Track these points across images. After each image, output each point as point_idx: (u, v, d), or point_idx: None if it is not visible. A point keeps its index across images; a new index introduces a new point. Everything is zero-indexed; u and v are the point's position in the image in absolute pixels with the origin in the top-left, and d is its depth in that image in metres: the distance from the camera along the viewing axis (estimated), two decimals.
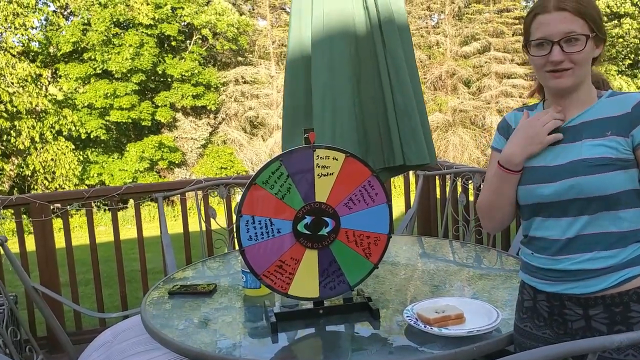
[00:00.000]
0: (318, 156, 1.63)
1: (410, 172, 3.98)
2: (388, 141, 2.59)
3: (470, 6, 22.45)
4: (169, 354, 1.76)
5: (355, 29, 2.57)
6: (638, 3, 18.97)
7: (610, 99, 1.42)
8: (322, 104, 2.52)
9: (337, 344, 1.63)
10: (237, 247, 2.80)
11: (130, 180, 16.72)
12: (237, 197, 3.62)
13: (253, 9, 22.11)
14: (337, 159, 1.64)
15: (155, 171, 18.38)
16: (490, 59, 21.61)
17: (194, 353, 1.56)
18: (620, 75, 19.44)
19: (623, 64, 20.08)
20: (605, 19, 19.68)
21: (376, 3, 2.56)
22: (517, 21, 21.78)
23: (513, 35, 21.70)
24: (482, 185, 1.58)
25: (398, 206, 4.49)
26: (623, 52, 19.97)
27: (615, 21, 19.46)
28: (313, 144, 1.63)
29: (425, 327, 1.52)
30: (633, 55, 20.20)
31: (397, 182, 10.26)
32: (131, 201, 5.22)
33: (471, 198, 3.31)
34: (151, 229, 3.43)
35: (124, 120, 17.72)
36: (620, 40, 19.43)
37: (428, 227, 3.90)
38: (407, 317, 1.58)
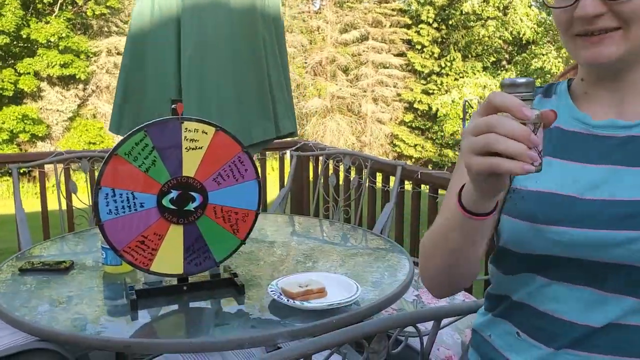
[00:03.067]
0: (186, 129, 1.59)
1: (287, 154, 4.02)
2: (265, 114, 2.61)
3: None
4: (17, 333, 1.64)
5: (230, 4, 2.54)
6: (500, 6, 20.45)
7: None
8: (188, 78, 2.47)
9: (200, 320, 1.61)
10: None
11: None
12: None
13: None
14: (206, 133, 1.61)
15: (16, 144, 16.98)
16: (368, 48, 22.28)
17: (47, 332, 1.46)
18: (484, 72, 20.91)
19: (487, 61, 21.61)
20: (472, 17, 21.02)
21: None
22: (395, 12, 22.63)
23: (390, 26, 22.52)
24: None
25: (274, 186, 4.55)
26: (489, 50, 21.48)
27: (482, 22, 20.86)
28: (181, 116, 1.59)
29: (288, 300, 1.54)
30: (496, 54, 21.81)
31: (274, 164, 10.30)
32: None
33: (341, 182, 3.41)
34: (5, 208, 3.15)
35: None
36: (486, 39, 20.87)
37: (300, 206, 3.97)
38: (271, 291, 1.60)
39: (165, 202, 1.60)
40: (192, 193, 1.63)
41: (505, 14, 20.64)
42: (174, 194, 1.61)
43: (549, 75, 17.89)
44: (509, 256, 0.89)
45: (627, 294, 0.82)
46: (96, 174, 3.28)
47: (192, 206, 1.63)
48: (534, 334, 0.88)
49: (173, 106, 1.57)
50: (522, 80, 0.67)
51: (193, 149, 1.61)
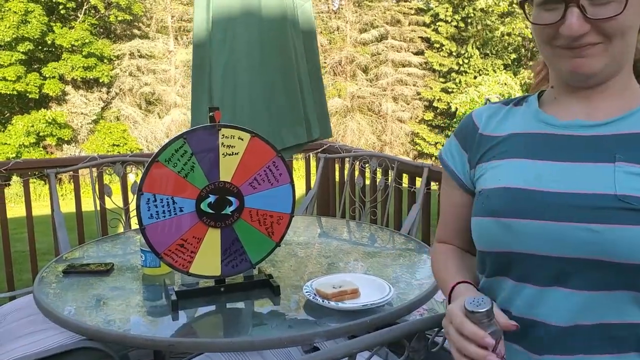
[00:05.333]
0: (223, 135, 1.64)
1: (311, 155, 4.07)
2: (296, 119, 2.66)
3: None
4: (64, 332, 1.72)
5: (261, 9, 2.59)
6: (514, 4, 20.26)
7: None
8: (222, 84, 2.53)
9: (237, 320, 1.66)
10: (133, 227, 2.75)
11: (14, 156, 15.64)
12: (130, 177, 3.52)
13: None
14: (242, 139, 1.66)
15: (42, 147, 17.27)
16: (387, 46, 22.25)
17: (91, 331, 1.53)
18: (506, 70, 20.73)
19: (508, 58, 21.42)
20: (489, 14, 20.78)
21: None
22: (413, 11, 22.56)
23: (409, 24, 22.46)
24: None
25: (299, 188, 4.60)
26: (509, 49, 21.30)
27: (500, 19, 20.69)
28: (218, 123, 1.64)
29: (323, 301, 1.59)
30: (516, 52, 21.62)
31: (298, 164, 10.37)
32: (15, 178, 4.89)
33: (367, 181, 3.45)
34: (36, 209, 3.24)
35: (8, 92, 16.44)
36: (506, 37, 20.69)
37: (327, 208, 4.02)
38: (306, 292, 1.64)
39: (203, 206, 1.66)
40: (229, 197, 1.68)
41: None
42: (211, 198, 1.66)
43: None
44: (481, 257, 0.93)
45: (587, 288, 0.82)
46: (128, 177, 3.38)
47: (229, 210, 1.69)
48: (517, 340, 0.89)
49: (211, 114, 1.63)
50: (483, 310, 0.81)
51: (230, 154, 1.66)
